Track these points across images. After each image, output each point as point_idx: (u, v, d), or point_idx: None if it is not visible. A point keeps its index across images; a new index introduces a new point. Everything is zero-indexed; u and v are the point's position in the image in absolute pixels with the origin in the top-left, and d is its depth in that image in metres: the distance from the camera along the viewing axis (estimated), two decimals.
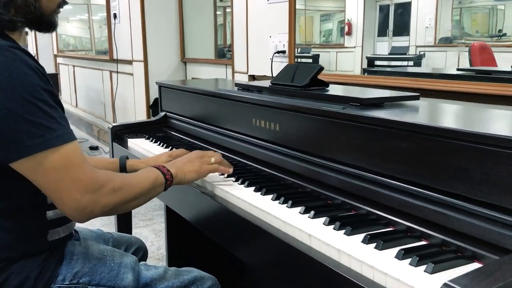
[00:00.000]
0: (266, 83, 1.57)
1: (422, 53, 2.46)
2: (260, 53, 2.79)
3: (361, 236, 0.90)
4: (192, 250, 2.05)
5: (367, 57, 2.39)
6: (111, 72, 5.05)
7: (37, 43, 7.12)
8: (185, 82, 2.17)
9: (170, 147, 1.68)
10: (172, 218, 1.94)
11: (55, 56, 7.18)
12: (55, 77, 5.06)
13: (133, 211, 1.76)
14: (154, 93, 4.21)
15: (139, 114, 4.46)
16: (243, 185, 1.23)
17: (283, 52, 2.57)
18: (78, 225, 1.22)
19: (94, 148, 5.40)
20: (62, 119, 0.93)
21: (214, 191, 1.25)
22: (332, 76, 2.14)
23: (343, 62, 2.53)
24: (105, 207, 0.95)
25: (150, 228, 3.19)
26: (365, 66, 2.41)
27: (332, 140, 1.16)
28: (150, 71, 4.21)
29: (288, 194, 1.15)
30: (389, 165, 1.01)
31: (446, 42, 2.46)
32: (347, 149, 1.12)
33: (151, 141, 1.83)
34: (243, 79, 3.00)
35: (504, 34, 2.39)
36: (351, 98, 1.20)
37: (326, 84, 1.41)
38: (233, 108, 1.56)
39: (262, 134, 1.41)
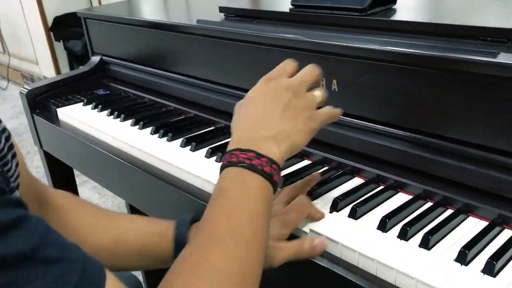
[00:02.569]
0: (277, 4, 1.00)
1: None
2: None
3: None
4: None
5: None
6: None
7: None
8: (125, 8, 1.48)
9: (134, 119, 1.09)
10: None
11: None
12: None
13: None
14: (52, 11, 3.35)
15: (38, 42, 3.58)
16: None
17: None
18: None
19: None
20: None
21: None
22: None
23: None
24: None
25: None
26: None
27: (469, 114, 0.67)
28: None
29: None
30: None
31: None
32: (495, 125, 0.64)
33: (94, 107, 1.22)
34: None
35: None
36: (482, 29, 0.69)
37: None
38: (230, 52, 0.98)
39: None
